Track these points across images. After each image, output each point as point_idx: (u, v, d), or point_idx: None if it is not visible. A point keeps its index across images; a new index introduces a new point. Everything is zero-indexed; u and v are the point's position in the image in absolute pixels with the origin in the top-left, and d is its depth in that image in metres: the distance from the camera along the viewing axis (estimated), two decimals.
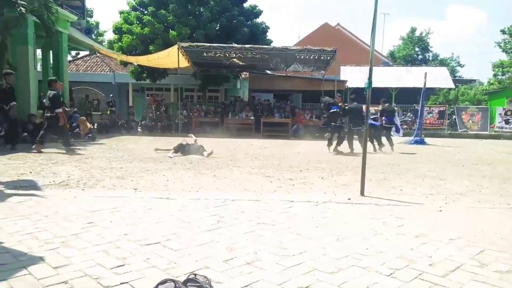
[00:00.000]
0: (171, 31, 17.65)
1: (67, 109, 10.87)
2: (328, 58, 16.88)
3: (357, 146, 9.81)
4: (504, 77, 35.44)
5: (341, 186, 5.39)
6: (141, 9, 19.33)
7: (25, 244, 2.79)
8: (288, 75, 21.42)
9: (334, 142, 10.23)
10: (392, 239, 3.15)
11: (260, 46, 16.20)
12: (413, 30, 46.07)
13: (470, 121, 20.40)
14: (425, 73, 14.65)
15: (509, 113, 19.89)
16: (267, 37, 20.17)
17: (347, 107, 10.58)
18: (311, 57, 17.05)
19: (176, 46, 15.47)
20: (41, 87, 14.35)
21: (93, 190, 4.72)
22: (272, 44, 19.04)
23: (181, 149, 8.66)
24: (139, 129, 16.96)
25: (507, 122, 19.75)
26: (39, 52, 16.73)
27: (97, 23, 39.03)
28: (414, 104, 19.81)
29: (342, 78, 21.17)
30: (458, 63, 47.02)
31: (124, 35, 18.58)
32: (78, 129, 12.19)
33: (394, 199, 4.60)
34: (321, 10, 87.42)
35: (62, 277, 2.28)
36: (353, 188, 5.11)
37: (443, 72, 23.05)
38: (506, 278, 2.45)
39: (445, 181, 5.98)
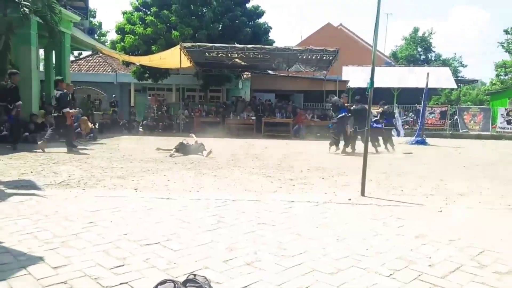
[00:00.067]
0: (173, 32, 17.69)
1: (75, 110, 10.97)
2: (330, 58, 16.87)
3: (359, 147, 9.80)
4: (506, 77, 35.33)
5: (341, 187, 5.39)
6: (144, 9, 19.38)
7: (25, 244, 2.80)
8: (290, 75, 21.41)
9: (341, 144, 10.20)
10: (392, 239, 3.15)
11: (262, 46, 16.22)
12: (415, 30, 46.02)
13: (472, 122, 20.34)
14: (428, 73, 14.64)
15: (511, 113, 19.82)
16: (269, 37, 20.20)
17: (352, 108, 10.54)
18: (313, 57, 17.04)
19: (178, 46, 15.50)
20: (43, 87, 14.40)
21: (94, 190, 4.73)
22: (274, 44, 19.07)
23: (182, 148, 8.69)
24: (140, 129, 16.98)
25: (509, 122, 19.68)
26: (41, 52, 16.77)
27: (100, 24, 39.17)
28: (416, 104, 19.76)
29: (344, 78, 21.16)
30: (461, 63, 46.94)
31: (126, 35, 18.63)
32: (79, 128, 12.22)
33: (395, 200, 4.59)
34: (323, 10, 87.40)
35: (62, 277, 2.28)
36: (353, 189, 5.10)
37: (445, 73, 22.98)
38: (506, 279, 2.44)
39: (446, 182, 5.97)
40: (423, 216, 3.93)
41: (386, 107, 12.10)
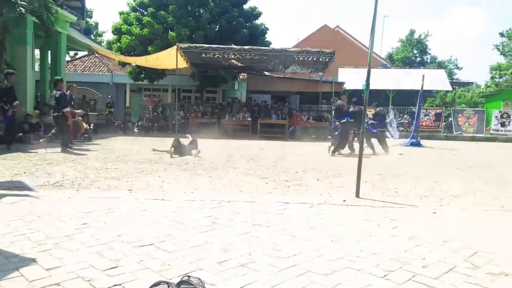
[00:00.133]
0: (170, 32, 17.65)
1: (78, 110, 11.00)
2: (327, 59, 16.90)
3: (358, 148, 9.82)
4: (501, 79, 35.58)
5: (336, 188, 5.40)
6: (141, 10, 19.32)
7: (18, 245, 2.78)
8: (286, 76, 21.44)
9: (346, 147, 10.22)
10: (386, 241, 3.15)
11: (259, 47, 16.22)
12: (412, 33, 46.22)
13: (466, 124, 20.45)
14: (423, 76, 14.72)
15: (505, 115, 19.96)
16: (266, 39, 20.23)
17: (350, 110, 10.52)
18: (310, 59, 17.07)
19: (175, 47, 15.46)
20: (38, 87, 14.31)
21: (88, 191, 4.70)
22: (271, 46, 19.06)
23: (178, 147, 8.69)
24: (135, 130, 16.92)
25: (502, 124, 19.82)
26: (37, 52, 16.70)
27: (97, 24, 39.03)
28: (411, 106, 19.85)
29: (340, 79, 21.22)
30: (456, 65, 47.20)
31: (123, 36, 18.56)
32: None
33: (389, 201, 4.60)
34: (320, 12, 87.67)
35: (55, 279, 2.27)
36: (348, 190, 5.11)
37: (440, 75, 23.13)
38: (499, 280, 2.46)
39: (440, 183, 5.99)
40: (417, 217, 3.94)
41: (378, 109, 12.14)
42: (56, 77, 10.26)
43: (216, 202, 4.26)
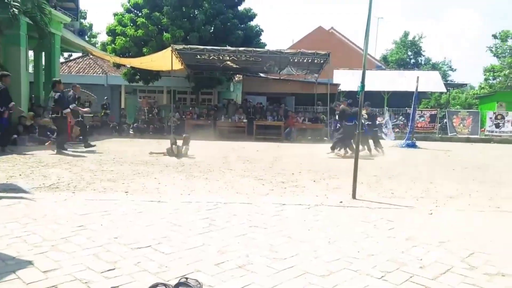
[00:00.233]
0: (165, 34, 17.62)
1: (84, 109, 11.00)
2: (322, 61, 16.96)
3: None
4: (495, 81, 35.86)
5: (333, 189, 5.41)
6: (135, 11, 19.27)
7: (14, 247, 2.76)
8: (281, 78, 21.48)
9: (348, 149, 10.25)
10: (383, 242, 3.16)
11: (254, 49, 16.25)
12: (406, 34, 46.47)
13: (461, 125, 20.60)
14: (417, 77, 14.82)
15: (499, 117, 20.13)
16: (261, 40, 20.22)
17: (365, 112, 10.53)
18: (305, 61, 17.11)
19: (169, 49, 15.44)
20: (32, 89, 14.23)
21: (84, 193, 4.68)
22: (266, 47, 19.10)
23: (175, 144, 8.73)
24: (131, 131, 16.87)
25: (497, 126, 19.98)
26: (31, 53, 16.60)
27: (91, 25, 38.89)
28: (406, 108, 19.96)
29: (335, 81, 21.25)
30: (450, 67, 47.50)
31: (117, 37, 18.51)
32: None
33: (386, 202, 4.62)
34: (315, 13, 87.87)
35: (51, 281, 2.25)
36: (345, 191, 5.12)
37: (435, 76, 23.27)
38: (495, 280, 2.47)
39: (436, 185, 6.02)
40: (413, 218, 3.96)
41: (370, 109, 12.19)
42: (54, 79, 10.24)
43: (212, 204, 4.26)
